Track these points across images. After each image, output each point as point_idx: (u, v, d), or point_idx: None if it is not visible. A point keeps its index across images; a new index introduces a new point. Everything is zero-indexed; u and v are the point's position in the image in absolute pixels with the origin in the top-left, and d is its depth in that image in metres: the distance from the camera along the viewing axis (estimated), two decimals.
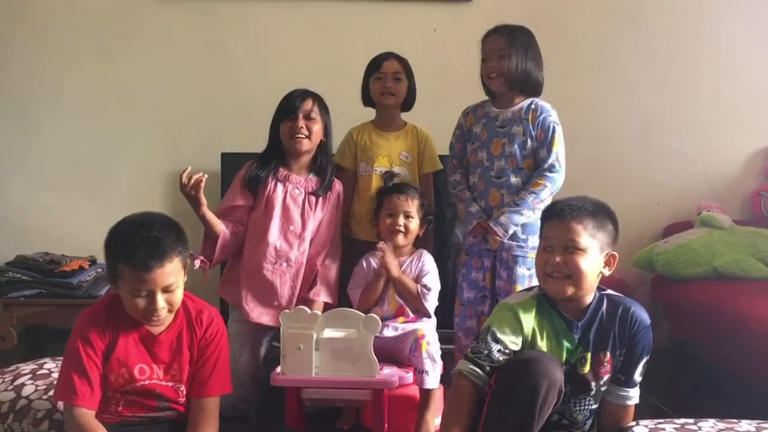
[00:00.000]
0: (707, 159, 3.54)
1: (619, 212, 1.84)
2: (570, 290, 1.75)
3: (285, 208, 2.41)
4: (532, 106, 2.43)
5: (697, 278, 3.03)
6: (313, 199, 2.45)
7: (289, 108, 2.41)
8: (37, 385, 2.00)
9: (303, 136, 2.39)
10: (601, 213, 1.79)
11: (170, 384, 1.77)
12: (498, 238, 2.36)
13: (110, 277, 1.73)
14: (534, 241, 2.40)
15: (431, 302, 2.35)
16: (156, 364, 1.76)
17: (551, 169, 2.37)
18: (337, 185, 2.52)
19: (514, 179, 2.39)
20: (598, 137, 3.52)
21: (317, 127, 2.42)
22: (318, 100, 2.45)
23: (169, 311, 1.73)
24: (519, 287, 2.36)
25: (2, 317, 3.18)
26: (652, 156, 3.54)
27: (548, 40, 3.44)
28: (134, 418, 1.76)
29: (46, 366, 2.12)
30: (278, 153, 2.45)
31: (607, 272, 1.80)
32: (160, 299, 1.68)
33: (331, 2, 3.47)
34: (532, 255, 2.40)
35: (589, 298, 1.80)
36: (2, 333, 3.18)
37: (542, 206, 2.36)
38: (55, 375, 2.05)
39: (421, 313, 2.36)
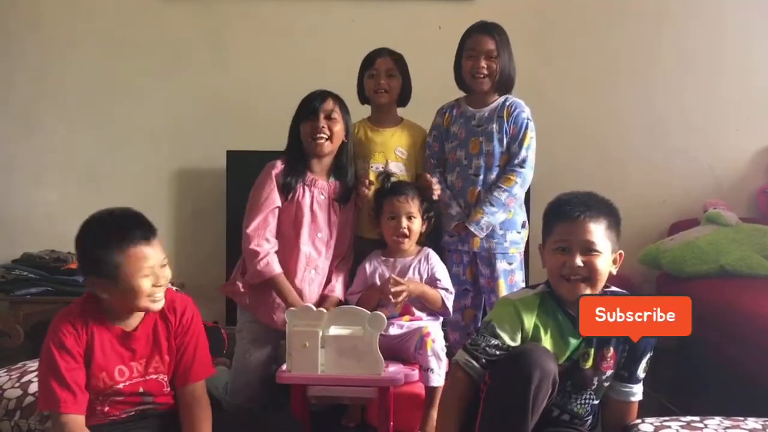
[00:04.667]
0: (713, 157, 3.53)
1: (625, 210, 1.83)
2: (586, 292, 1.74)
3: (313, 215, 2.40)
4: (507, 103, 2.48)
5: (704, 276, 3.02)
6: (336, 204, 2.44)
7: (310, 109, 2.39)
8: None
9: (324, 138, 2.37)
10: (611, 211, 1.79)
11: (153, 377, 1.77)
12: (477, 238, 2.42)
13: (102, 277, 1.67)
14: (512, 236, 2.46)
15: (450, 300, 2.35)
16: (135, 361, 1.75)
17: (522, 164, 2.43)
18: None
19: (491, 176, 2.44)
20: (605, 136, 3.51)
21: (338, 128, 2.39)
22: (338, 100, 2.43)
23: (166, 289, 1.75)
24: (502, 282, 2.44)
25: (9, 315, 3.19)
26: (657, 154, 3.53)
27: (553, 38, 3.49)
28: (122, 415, 1.75)
29: None
30: (301, 155, 2.42)
31: (614, 271, 1.80)
32: (162, 274, 1.71)
33: (335, 0, 3.47)
34: (513, 250, 2.47)
35: None
36: (9, 330, 3.18)
37: (516, 203, 2.43)
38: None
39: (439, 313, 2.35)
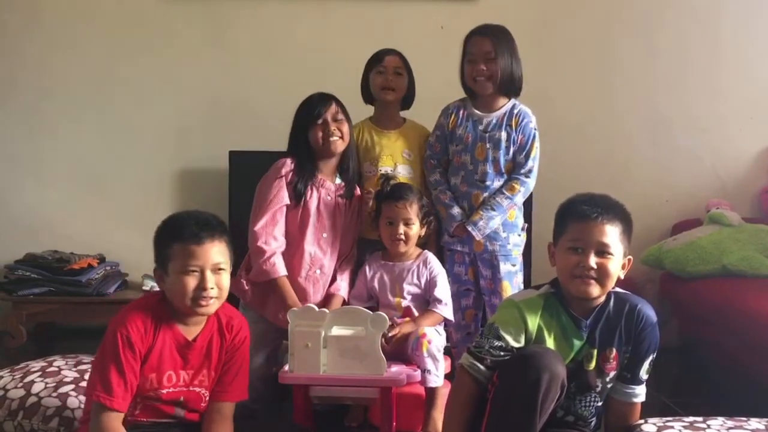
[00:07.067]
0: (716, 156, 3.52)
1: (627, 209, 1.83)
2: (596, 292, 1.74)
3: (319, 216, 2.40)
4: (515, 111, 2.47)
5: (706, 276, 3.01)
6: (342, 205, 2.44)
7: (316, 114, 2.38)
8: (46, 383, 2.02)
9: (337, 137, 2.38)
10: (625, 217, 1.79)
11: (196, 389, 1.78)
12: (480, 241, 2.43)
13: (160, 268, 1.75)
14: (514, 238, 2.48)
15: (448, 311, 2.32)
16: (185, 370, 1.76)
17: (528, 174, 2.46)
18: (358, 188, 2.51)
19: (497, 183, 2.45)
20: (608, 135, 3.51)
21: (346, 128, 2.41)
22: (338, 102, 2.44)
23: (217, 298, 1.74)
24: (507, 284, 2.44)
25: (12, 315, 3.20)
26: (660, 154, 3.52)
27: (556, 37, 3.48)
28: (147, 423, 1.74)
29: (55, 363, 2.13)
30: (310, 156, 2.42)
31: (622, 275, 1.80)
32: (210, 278, 1.71)
33: (338, 0, 3.47)
34: (515, 252, 2.48)
35: (601, 297, 1.79)
36: (12, 330, 3.19)
37: (516, 208, 2.47)
38: (65, 372, 2.07)
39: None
